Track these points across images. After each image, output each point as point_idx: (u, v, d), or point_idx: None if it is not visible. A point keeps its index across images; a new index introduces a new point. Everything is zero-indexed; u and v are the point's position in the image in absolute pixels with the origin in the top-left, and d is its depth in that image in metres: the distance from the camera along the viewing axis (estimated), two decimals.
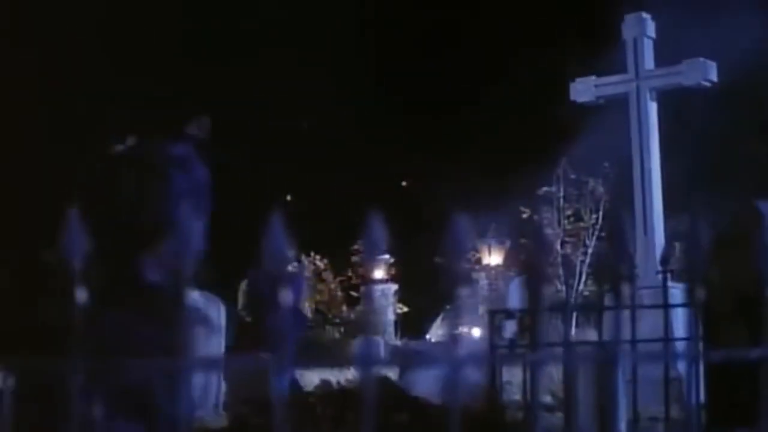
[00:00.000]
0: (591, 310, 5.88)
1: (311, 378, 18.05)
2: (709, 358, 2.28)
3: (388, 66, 33.15)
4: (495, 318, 5.36)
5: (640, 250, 11.23)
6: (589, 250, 27.26)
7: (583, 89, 11.87)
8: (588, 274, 27.12)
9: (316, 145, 32.15)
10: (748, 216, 5.42)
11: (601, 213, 27.21)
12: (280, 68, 29.86)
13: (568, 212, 27.70)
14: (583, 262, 27.18)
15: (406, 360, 15.27)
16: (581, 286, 27.15)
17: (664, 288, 5.63)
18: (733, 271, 5.84)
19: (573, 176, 27.41)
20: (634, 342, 5.45)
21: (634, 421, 6.92)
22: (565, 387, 7.02)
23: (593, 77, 11.86)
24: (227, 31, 29.72)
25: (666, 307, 5.71)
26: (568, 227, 27.66)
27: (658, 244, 11.12)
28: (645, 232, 11.07)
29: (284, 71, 30.01)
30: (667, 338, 5.66)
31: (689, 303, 4.67)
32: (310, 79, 30.03)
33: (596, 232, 27.31)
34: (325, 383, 9.02)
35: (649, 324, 6.49)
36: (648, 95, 11.40)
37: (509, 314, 5.64)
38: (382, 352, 19.89)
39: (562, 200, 27.63)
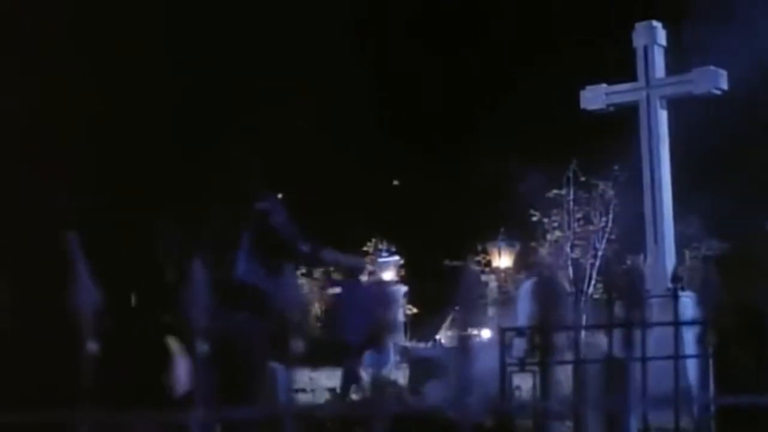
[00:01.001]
0: (601, 327, 5.89)
1: (320, 381, 18.05)
2: (721, 403, 2.31)
3: (403, 64, 33.19)
4: (505, 336, 5.40)
5: (650, 259, 11.25)
6: (599, 253, 27.26)
7: (593, 97, 11.84)
8: (597, 279, 27.15)
9: (325, 144, 32.15)
10: (760, 239, 5.46)
11: (610, 216, 27.23)
12: (282, 64, 29.89)
13: (578, 215, 27.71)
14: (592, 265, 27.19)
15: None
16: (591, 289, 27.15)
17: (675, 307, 5.66)
18: (744, 292, 5.87)
19: (583, 179, 27.42)
20: (644, 360, 5.48)
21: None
22: (575, 397, 7.04)
23: (603, 85, 11.81)
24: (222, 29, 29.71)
25: (676, 324, 5.73)
26: (578, 230, 27.68)
27: (668, 253, 11.13)
28: (655, 241, 11.06)
29: (287, 67, 30.04)
30: (678, 356, 5.68)
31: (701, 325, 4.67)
32: (318, 75, 30.06)
33: (606, 235, 27.33)
34: (335, 398, 9.02)
35: (658, 331, 6.46)
36: (658, 103, 11.38)
37: (519, 332, 5.69)
38: (392, 355, 19.86)
39: (571, 203, 27.63)
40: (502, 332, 5.42)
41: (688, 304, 9.64)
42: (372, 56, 31.69)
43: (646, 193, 11.30)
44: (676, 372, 5.68)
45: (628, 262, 27.47)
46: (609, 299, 6.03)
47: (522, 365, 5.61)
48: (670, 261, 11.17)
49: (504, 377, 5.34)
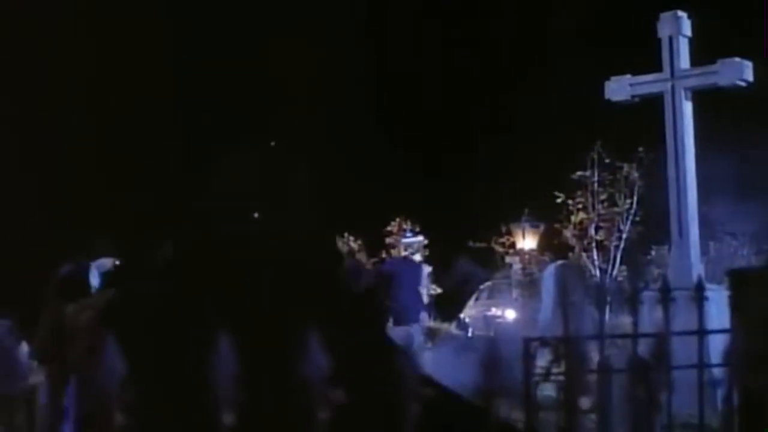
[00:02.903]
0: (626, 337, 5.90)
1: None
2: None
3: (435, 49, 33.23)
4: (530, 346, 5.42)
5: (675, 252, 11.22)
6: (624, 235, 27.23)
7: (618, 88, 11.79)
8: (622, 259, 27.13)
9: (352, 124, 32.26)
10: None
11: (635, 198, 27.16)
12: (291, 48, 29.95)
13: (603, 197, 27.65)
14: (617, 247, 27.17)
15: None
16: (615, 272, 27.15)
17: (700, 317, 5.64)
18: None
19: (607, 161, 27.34)
20: (669, 369, 5.48)
21: (668, 428, 6.90)
22: (600, 396, 7.04)
23: (628, 76, 11.74)
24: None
25: (701, 333, 5.72)
26: (602, 212, 27.63)
27: (693, 246, 11.08)
28: (680, 234, 11.01)
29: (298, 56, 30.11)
30: (702, 365, 5.68)
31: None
32: (353, 57, 30.13)
33: (630, 217, 27.27)
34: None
35: (682, 324, 6.40)
36: (683, 95, 11.31)
37: (544, 342, 5.71)
38: (416, 339, 19.90)
39: (596, 185, 27.58)
40: (527, 342, 5.42)
41: (713, 298, 9.62)
42: (406, 40, 31.75)
43: (671, 186, 11.23)
44: (701, 384, 5.68)
45: (653, 252, 27.52)
46: (634, 300, 6.02)
47: (547, 375, 5.62)
48: (695, 254, 11.14)
49: (528, 388, 5.35)
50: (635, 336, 6.01)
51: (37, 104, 25.45)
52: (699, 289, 5.91)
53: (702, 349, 5.91)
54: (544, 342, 5.65)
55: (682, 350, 6.41)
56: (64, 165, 26.03)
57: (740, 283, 6.20)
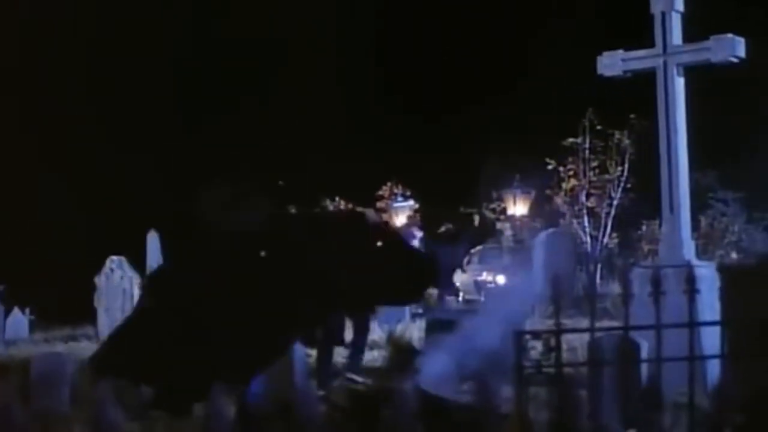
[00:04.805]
0: (618, 329, 5.94)
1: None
2: None
3: (429, 19, 33.21)
4: (521, 339, 5.48)
5: (666, 228, 11.26)
6: (615, 202, 27.26)
7: (610, 63, 11.78)
8: (613, 226, 27.18)
9: (345, 87, 32.22)
10: None
11: (626, 165, 27.18)
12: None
13: (594, 164, 27.65)
14: (608, 214, 27.21)
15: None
16: (606, 239, 27.22)
17: (691, 310, 5.71)
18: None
19: (599, 127, 27.32)
20: (659, 360, 5.56)
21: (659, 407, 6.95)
22: (590, 372, 7.08)
23: (620, 51, 11.73)
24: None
25: (692, 326, 5.79)
26: (594, 179, 27.64)
27: (684, 221, 11.12)
28: (671, 210, 11.04)
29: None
30: (693, 356, 5.75)
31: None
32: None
33: (621, 185, 27.29)
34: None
35: (673, 307, 6.44)
36: (675, 71, 11.32)
37: (535, 335, 5.76)
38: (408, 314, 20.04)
39: (587, 152, 27.57)
40: (518, 335, 5.49)
41: (703, 276, 9.67)
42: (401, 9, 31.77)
43: (662, 162, 11.24)
44: (692, 375, 5.76)
45: (644, 227, 27.56)
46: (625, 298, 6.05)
47: (539, 368, 5.69)
48: (686, 230, 11.19)
49: (520, 381, 5.42)
50: (627, 329, 6.10)
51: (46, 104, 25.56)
52: (690, 282, 5.97)
53: (693, 341, 5.97)
54: (535, 335, 5.72)
55: (673, 325, 6.48)
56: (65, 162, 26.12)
57: (732, 279, 6.28)
